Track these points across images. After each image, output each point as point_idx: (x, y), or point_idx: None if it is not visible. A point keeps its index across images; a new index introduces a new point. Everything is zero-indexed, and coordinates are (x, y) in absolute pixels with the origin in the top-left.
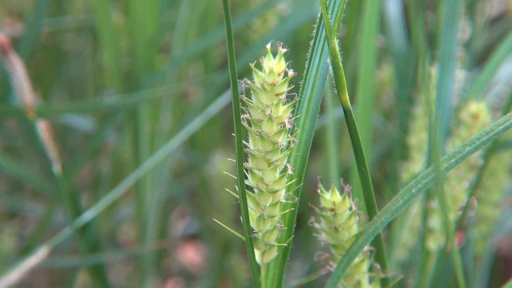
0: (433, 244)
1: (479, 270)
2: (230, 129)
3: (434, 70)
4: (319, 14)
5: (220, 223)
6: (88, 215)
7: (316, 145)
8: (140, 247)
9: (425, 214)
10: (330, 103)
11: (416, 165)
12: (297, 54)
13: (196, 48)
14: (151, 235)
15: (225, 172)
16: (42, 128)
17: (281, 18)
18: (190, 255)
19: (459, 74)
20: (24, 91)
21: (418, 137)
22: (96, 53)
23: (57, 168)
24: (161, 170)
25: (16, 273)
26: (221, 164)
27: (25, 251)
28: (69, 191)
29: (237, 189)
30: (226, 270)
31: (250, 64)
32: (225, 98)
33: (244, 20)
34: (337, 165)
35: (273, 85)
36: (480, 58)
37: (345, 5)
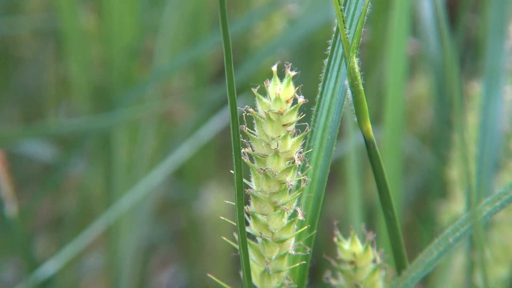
0: None
1: None
2: (226, 155)
3: (478, 87)
4: (335, 22)
5: (213, 277)
6: (48, 269)
7: (333, 178)
8: None
9: (470, 267)
10: (351, 127)
11: (458, 205)
12: (309, 64)
13: (184, 58)
14: None
15: (221, 217)
16: None
17: (290, 21)
18: None
19: (510, 92)
20: None
21: (460, 169)
22: (59, 62)
23: (11, 210)
24: (140, 208)
25: None
26: (215, 200)
27: None
28: (24, 238)
29: (236, 237)
30: None
31: (253, 89)
32: (220, 118)
33: (245, 23)
34: (360, 205)
35: (280, 114)
36: None
37: (366, 17)
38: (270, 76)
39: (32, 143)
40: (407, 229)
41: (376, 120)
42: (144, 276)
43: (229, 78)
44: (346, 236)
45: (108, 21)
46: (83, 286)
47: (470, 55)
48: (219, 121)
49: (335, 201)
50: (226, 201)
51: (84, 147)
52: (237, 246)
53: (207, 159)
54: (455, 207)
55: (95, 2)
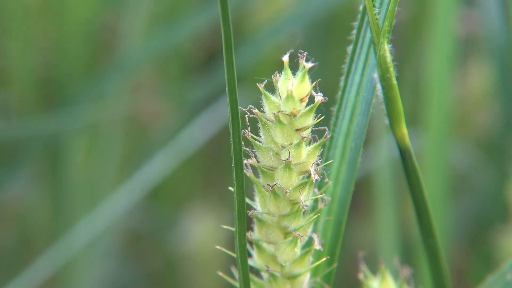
0: None
1: None
2: (214, 169)
3: None
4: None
5: None
6: None
7: (358, 198)
8: None
9: None
10: (382, 132)
11: None
12: (328, 51)
13: (160, 41)
14: None
15: (211, 246)
16: None
17: None
18: None
19: None
20: None
21: None
22: None
23: None
24: (101, 242)
25: None
26: (200, 228)
27: None
28: None
29: (235, 273)
30: None
31: (258, 85)
32: (207, 120)
33: None
34: (393, 234)
35: (292, 116)
36: None
37: None
38: (274, 66)
39: None
40: (457, 266)
41: (415, 123)
42: None
43: (228, 69)
44: (374, 271)
45: None
46: None
47: None
48: (206, 124)
49: (360, 228)
50: (216, 230)
51: (26, 160)
52: (236, 284)
53: (190, 174)
54: None
55: None
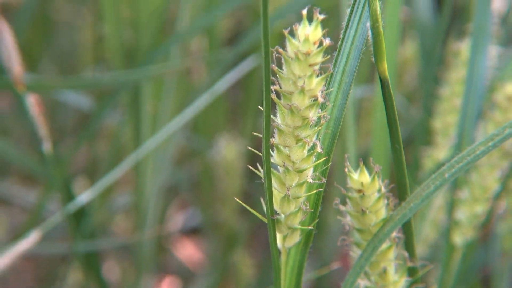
0: (459, 238)
1: (506, 266)
2: (236, 113)
3: (464, 46)
4: None
5: (238, 200)
6: (82, 199)
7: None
8: (138, 235)
9: (451, 205)
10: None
11: (440, 151)
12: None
13: (201, 23)
14: (150, 226)
15: (234, 159)
16: (31, 103)
17: None
18: (190, 251)
19: (493, 51)
20: (13, 61)
21: (443, 121)
22: (95, 25)
23: (47, 147)
24: (162, 155)
25: (6, 258)
26: (226, 150)
27: (16, 240)
28: (62, 173)
29: (260, 169)
30: (229, 267)
31: (283, 30)
32: (232, 76)
33: None
34: (355, 149)
35: (307, 54)
36: None
37: None
38: (280, 38)
39: (70, 94)
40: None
41: (370, 80)
42: (165, 215)
43: (264, 22)
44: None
45: None
46: (113, 222)
47: (457, 23)
48: (230, 79)
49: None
50: (240, 149)
51: (116, 100)
52: (261, 174)
53: (219, 114)
54: (437, 153)
55: None
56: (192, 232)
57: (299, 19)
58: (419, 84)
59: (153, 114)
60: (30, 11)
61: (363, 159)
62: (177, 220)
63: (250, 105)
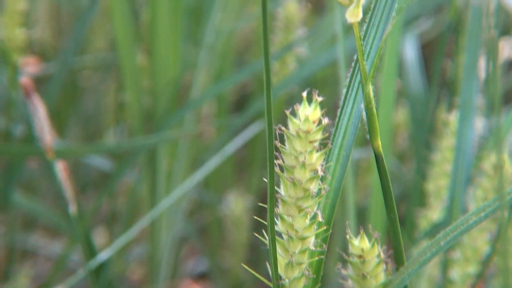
0: None
1: None
2: (243, 169)
3: (452, 118)
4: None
5: (244, 266)
6: (103, 256)
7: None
8: (153, 286)
9: (445, 265)
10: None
11: (434, 212)
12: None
13: (213, 91)
14: (164, 274)
15: (240, 214)
16: (60, 168)
17: (300, 61)
18: None
19: (478, 122)
20: (44, 132)
21: (436, 184)
22: (117, 91)
23: (73, 209)
24: (176, 209)
25: None
26: (235, 204)
27: None
28: (84, 228)
29: (265, 234)
30: None
31: (286, 111)
32: (239, 139)
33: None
34: (355, 209)
35: (307, 132)
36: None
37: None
38: (283, 103)
39: (93, 157)
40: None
41: (368, 142)
42: (177, 263)
43: (267, 101)
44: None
45: (157, 59)
46: (130, 271)
47: (445, 94)
48: (238, 141)
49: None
50: (242, 199)
51: (135, 160)
52: (266, 242)
53: (228, 171)
54: (431, 214)
55: (147, 44)
56: (199, 277)
57: (301, 87)
58: (410, 146)
59: (167, 171)
60: (59, 80)
61: (362, 213)
62: (187, 266)
63: (255, 163)
